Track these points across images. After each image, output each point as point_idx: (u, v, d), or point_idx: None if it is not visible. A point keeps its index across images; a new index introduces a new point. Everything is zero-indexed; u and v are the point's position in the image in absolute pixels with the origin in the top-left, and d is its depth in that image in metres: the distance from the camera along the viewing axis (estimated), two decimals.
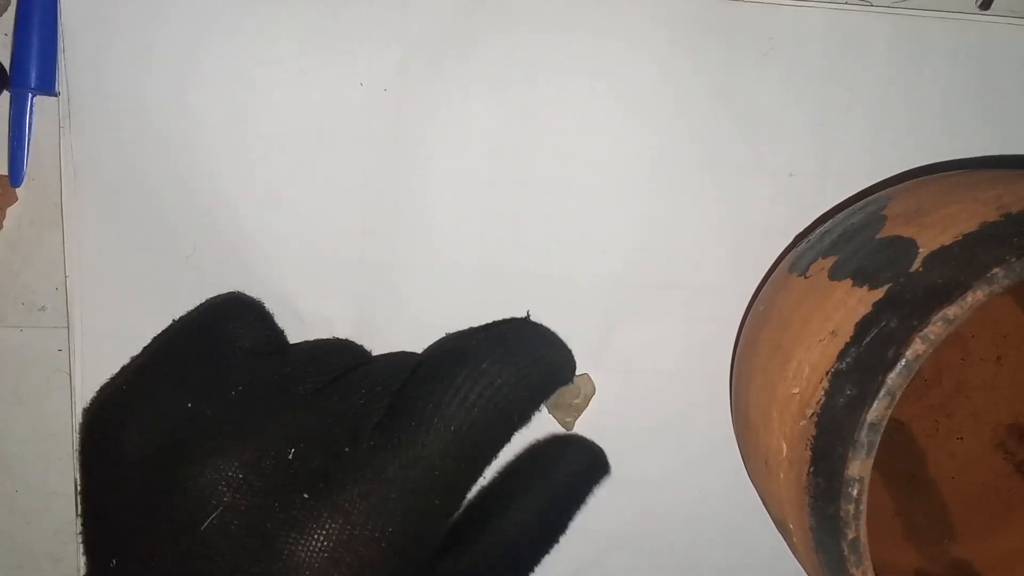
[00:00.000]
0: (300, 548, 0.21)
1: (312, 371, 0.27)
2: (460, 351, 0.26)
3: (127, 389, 0.26)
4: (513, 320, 0.32)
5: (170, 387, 0.25)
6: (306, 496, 0.22)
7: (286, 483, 0.22)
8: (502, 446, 0.26)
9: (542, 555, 0.29)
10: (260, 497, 0.22)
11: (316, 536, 0.21)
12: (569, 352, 0.31)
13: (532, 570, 0.29)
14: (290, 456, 0.23)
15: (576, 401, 0.32)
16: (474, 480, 0.25)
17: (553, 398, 0.31)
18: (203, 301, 0.30)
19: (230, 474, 0.22)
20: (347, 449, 0.23)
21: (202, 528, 0.22)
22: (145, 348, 0.29)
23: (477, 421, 0.24)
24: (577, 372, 0.33)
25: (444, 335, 0.32)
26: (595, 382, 0.33)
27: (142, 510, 0.23)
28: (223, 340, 0.28)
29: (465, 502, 0.25)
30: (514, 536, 0.27)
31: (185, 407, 0.24)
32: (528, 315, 0.32)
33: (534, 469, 0.30)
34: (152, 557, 0.22)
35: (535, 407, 0.27)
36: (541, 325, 0.32)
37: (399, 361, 0.28)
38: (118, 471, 0.24)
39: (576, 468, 0.30)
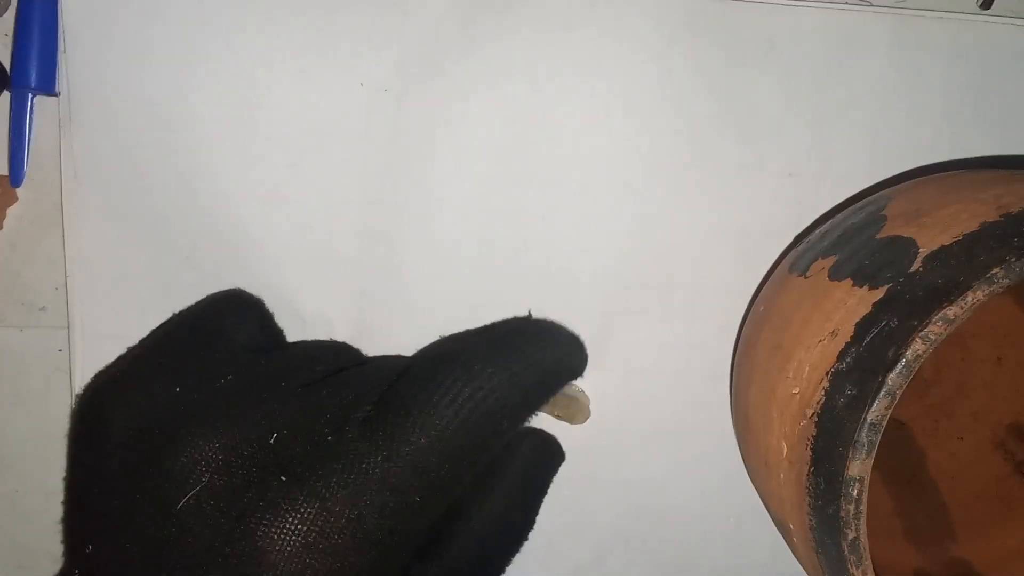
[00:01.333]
0: (274, 530, 0.21)
1: (306, 368, 0.27)
2: (453, 352, 0.26)
3: (119, 376, 0.26)
4: (513, 320, 0.32)
5: (161, 375, 0.25)
6: (283, 479, 0.22)
7: (265, 466, 0.22)
8: (490, 450, 0.25)
9: (514, 552, 0.29)
10: (237, 478, 0.22)
11: (290, 519, 0.21)
12: (578, 346, 0.30)
13: (504, 567, 0.29)
14: (271, 441, 0.23)
15: (569, 409, 0.32)
16: (459, 482, 0.24)
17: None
18: (204, 296, 0.30)
19: (210, 455, 0.22)
20: (330, 438, 0.23)
21: (178, 507, 0.22)
22: (142, 340, 0.29)
23: (465, 422, 0.24)
24: (587, 400, 0.33)
25: (439, 337, 0.32)
26: (591, 392, 0.33)
27: (121, 493, 0.23)
28: (220, 334, 0.28)
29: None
30: (483, 538, 0.27)
31: (173, 393, 0.24)
32: (530, 314, 0.32)
33: (492, 466, 0.30)
34: (127, 540, 0.22)
35: (528, 412, 0.27)
36: (544, 322, 0.32)
37: (393, 363, 0.28)
38: (101, 455, 0.24)
39: (533, 460, 0.30)
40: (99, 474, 0.24)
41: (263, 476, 0.22)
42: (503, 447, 0.30)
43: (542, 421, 0.32)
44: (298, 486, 0.22)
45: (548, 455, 0.31)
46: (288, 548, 0.21)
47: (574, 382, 0.32)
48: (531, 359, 0.27)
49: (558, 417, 0.32)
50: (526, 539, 0.29)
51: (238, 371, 0.26)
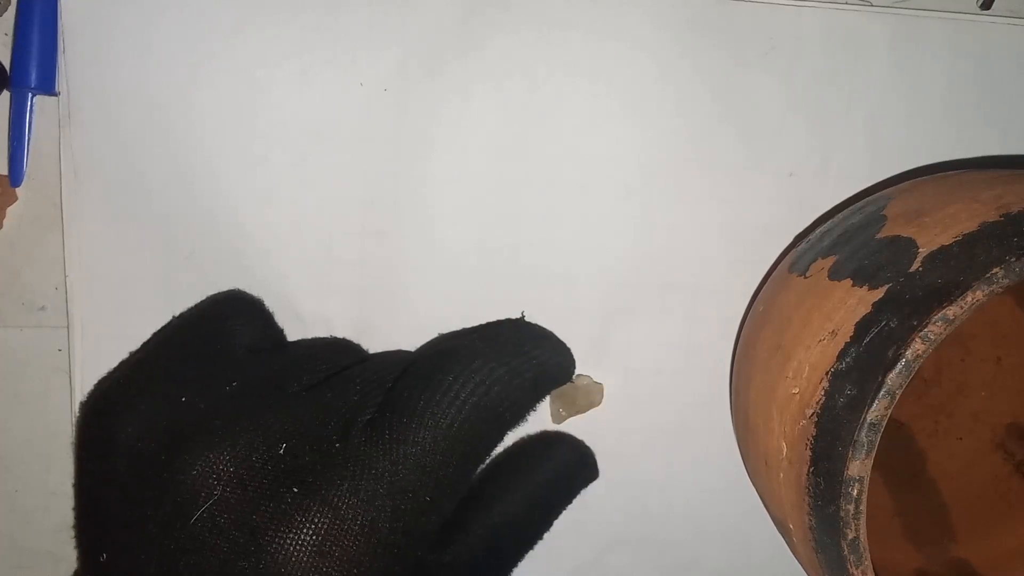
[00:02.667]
0: (288, 542, 0.21)
1: (308, 368, 0.27)
2: (453, 350, 0.26)
3: (123, 383, 0.26)
4: (508, 320, 0.32)
5: (166, 381, 0.25)
6: (295, 490, 0.22)
7: (276, 478, 0.22)
8: (495, 445, 0.26)
9: (525, 551, 0.29)
10: (250, 491, 0.22)
11: (304, 530, 0.22)
12: (567, 351, 0.31)
13: (515, 565, 0.29)
14: (281, 451, 0.23)
15: (578, 402, 0.32)
16: (467, 478, 0.25)
17: (559, 389, 0.31)
18: (204, 298, 0.30)
19: (221, 468, 0.22)
20: (338, 445, 0.23)
21: (191, 522, 0.22)
22: (144, 343, 0.29)
23: (469, 419, 0.24)
24: (592, 379, 0.33)
25: (438, 335, 0.32)
26: (590, 376, 0.33)
27: (133, 503, 0.23)
28: (221, 336, 0.28)
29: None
30: (498, 531, 0.27)
31: (179, 401, 0.24)
32: (523, 316, 0.32)
33: (521, 465, 0.30)
34: (141, 551, 0.22)
35: (529, 406, 0.27)
36: (537, 325, 0.32)
37: (394, 359, 0.28)
38: (111, 464, 0.24)
39: (564, 468, 0.30)
40: (109, 484, 0.24)
41: (275, 488, 0.22)
42: (540, 452, 0.30)
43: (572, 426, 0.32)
44: (310, 496, 0.22)
45: (580, 468, 0.32)
46: (303, 559, 0.21)
47: (578, 372, 0.32)
48: (528, 355, 0.27)
49: (579, 412, 0.32)
50: (540, 539, 0.30)
51: (242, 375, 0.26)
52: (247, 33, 0.30)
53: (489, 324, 0.32)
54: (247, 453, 0.23)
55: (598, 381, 0.33)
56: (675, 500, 0.34)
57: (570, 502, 0.31)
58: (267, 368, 0.26)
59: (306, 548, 0.21)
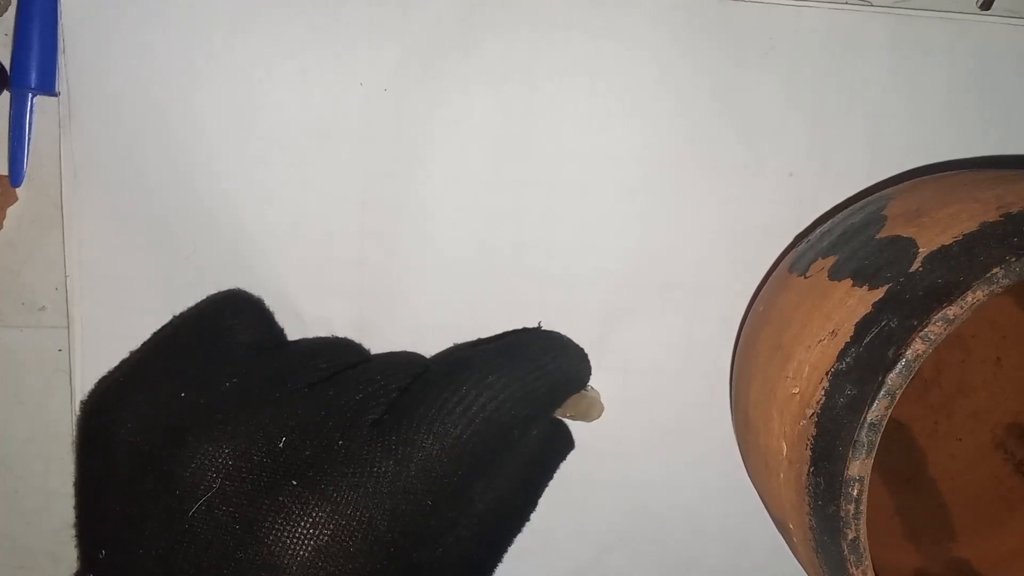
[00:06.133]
0: (286, 535, 0.21)
1: (310, 366, 0.27)
2: (468, 361, 0.26)
3: (123, 381, 0.26)
4: (525, 331, 0.32)
5: (165, 379, 0.25)
6: (294, 483, 0.22)
7: (275, 471, 0.22)
8: (501, 460, 0.26)
9: (515, 534, 0.29)
10: (248, 484, 0.22)
11: (302, 524, 0.22)
12: (585, 360, 0.31)
13: (505, 550, 0.29)
14: (280, 445, 0.23)
15: (574, 412, 0.32)
16: (469, 488, 0.25)
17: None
18: (204, 297, 0.31)
19: (220, 461, 0.22)
20: (341, 442, 0.23)
21: (190, 514, 0.22)
22: (144, 343, 0.29)
23: (478, 431, 0.24)
24: (599, 397, 0.32)
25: (453, 344, 0.32)
26: (599, 392, 0.33)
27: (132, 499, 0.23)
28: (221, 335, 0.28)
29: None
30: (484, 517, 0.27)
31: (179, 397, 0.24)
32: (540, 325, 0.32)
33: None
34: (140, 546, 0.22)
35: (538, 421, 0.27)
36: (556, 334, 0.32)
37: (399, 360, 0.28)
38: (110, 461, 0.24)
39: (540, 444, 0.30)
40: (109, 480, 0.24)
41: (274, 480, 0.22)
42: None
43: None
44: (309, 490, 0.22)
45: (556, 442, 0.31)
46: (300, 552, 0.21)
47: (590, 385, 0.32)
48: (543, 370, 0.27)
49: (572, 418, 0.32)
50: (528, 520, 0.29)
51: (242, 372, 0.26)
52: (247, 33, 0.30)
53: (506, 334, 0.32)
54: (246, 446, 0.23)
55: (602, 402, 0.32)
56: (675, 500, 0.34)
57: (551, 477, 0.31)
58: (268, 365, 0.27)
59: (303, 541, 0.21)
